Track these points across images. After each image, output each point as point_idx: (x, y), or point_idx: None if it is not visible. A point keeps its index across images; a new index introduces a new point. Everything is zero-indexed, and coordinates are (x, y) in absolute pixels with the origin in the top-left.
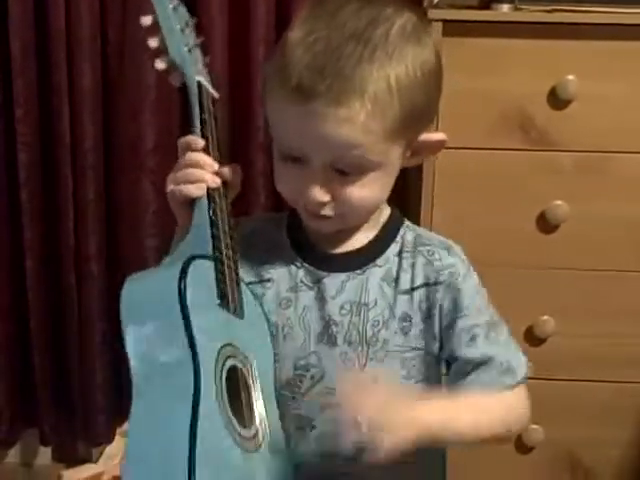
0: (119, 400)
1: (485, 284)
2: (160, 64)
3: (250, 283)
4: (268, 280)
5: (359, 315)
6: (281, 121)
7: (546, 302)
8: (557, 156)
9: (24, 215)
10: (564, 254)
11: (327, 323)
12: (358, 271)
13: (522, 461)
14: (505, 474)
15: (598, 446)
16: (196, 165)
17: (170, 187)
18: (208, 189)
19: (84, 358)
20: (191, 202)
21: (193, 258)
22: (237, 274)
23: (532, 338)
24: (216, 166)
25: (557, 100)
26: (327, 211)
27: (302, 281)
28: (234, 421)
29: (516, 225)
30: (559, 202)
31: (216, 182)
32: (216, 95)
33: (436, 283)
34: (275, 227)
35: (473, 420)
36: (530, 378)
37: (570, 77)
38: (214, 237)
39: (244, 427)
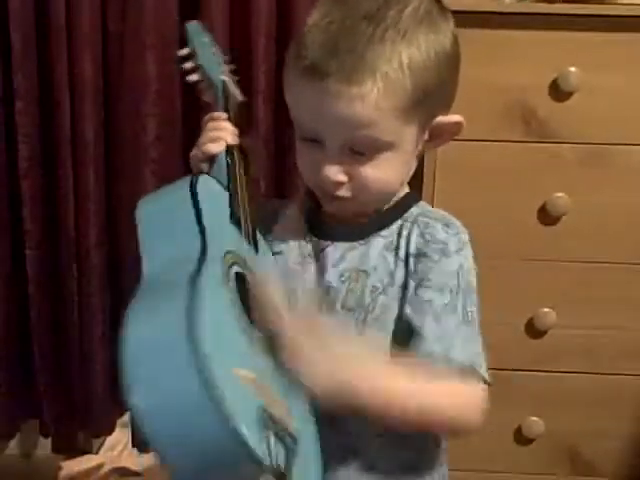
0: (119, 391)
1: (486, 276)
2: (194, 77)
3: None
4: (279, 252)
5: (357, 281)
6: (297, 102)
7: (547, 294)
8: (559, 148)
9: (25, 207)
10: (565, 246)
11: (326, 290)
12: (361, 241)
13: (522, 453)
14: (505, 466)
15: (598, 438)
16: (217, 128)
17: (193, 152)
18: (227, 147)
19: (84, 349)
20: (211, 164)
21: (205, 174)
22: (253, 221)
23: (533, 330)
24: (236, 130)
25: (559, 92)
26: (343, 192)
27: (309, 254)
28: (244, 314)
29: (517, 217)
30: (560, 194)
31: (235, 140)
32: (241, 98)
33: (423, 255)
34: (293, 206)
35: (408, 398)
36: (531, 370)
37: (572, 69)
38: (230, 180)
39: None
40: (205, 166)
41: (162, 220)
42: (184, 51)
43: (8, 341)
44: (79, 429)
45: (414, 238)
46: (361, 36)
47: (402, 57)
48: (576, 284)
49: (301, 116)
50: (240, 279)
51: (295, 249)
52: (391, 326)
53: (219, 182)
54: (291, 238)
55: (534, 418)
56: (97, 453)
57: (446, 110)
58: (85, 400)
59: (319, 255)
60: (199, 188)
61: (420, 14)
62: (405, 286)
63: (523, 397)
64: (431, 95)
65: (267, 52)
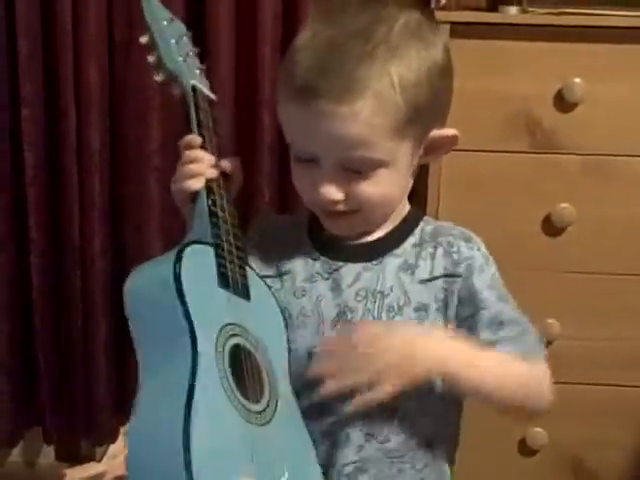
0: (123, 399)
1: None
2: (158, 77)
3: (269, 276)
4: (286, 273)
5: (374, 302)
6: (289, 122)
7: (552, 305)
8: (563, 159)
9: (30, 214)
10: (570, 257)
11: (342, 310)
12: (374, 262)
13: (526, 464)
14: (509, 477)
15: (602, 449)
16: (194, 161)
17: (172, 187)
18: (207, 181)
19: (88, 357)
20: (194, 198)
21: (191, 243)
22: (241, 259)
23: None
24: (213, 159)
25: (563, 103)
26: (341, 207)
27: (318, 272)
28: (237, 391)
29: (522, 228)
30: (565, 205)
31: (214, 173)
32: (213, 97)
33: (454, 275)
34: (296, 226)
35: (497, 373)
36: None
37: (577, 80)
38: (213, 225)
39: (249, 400)
40: (189, 210)
41: (150, 310)
42: (144, 39)
43: (12, 349)
44: (82, 437)
45: (440, 259)
46: (351, 54)
47: (393, 74)
48: (580, 295)
49: (294, 136)
50: (237, 350)
51: (302, 268)
52: None
53: (202, 241)
54: (297, 258)
55: (538, 429)
56: (100, 461)
57: (441, 123)
58: (88, 408)
59: (332, 275)
60: (183, 274)
61: (410, 29)
62: (422, 308)
63: None
64: (424, 111)
65: (272, 62)
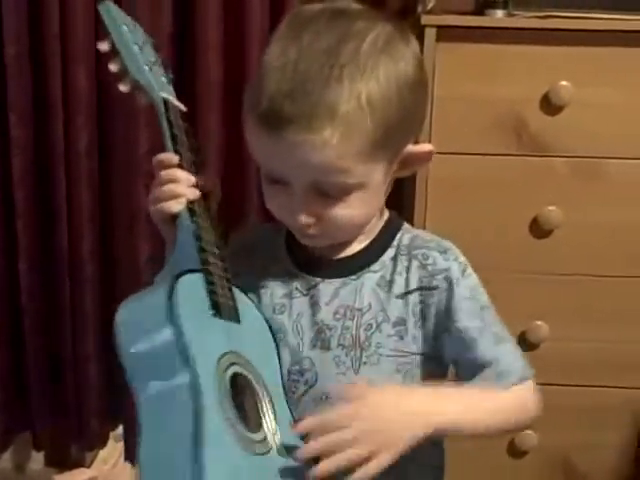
0: (113, 404)
1: None
2: (123, 87)
3: (247, 292)
4: (263, 287)
5: (352, 319)
6: (257, 147)
7: (539, 307)
8: (550, 161)
9: (18, 218)
10: (557, 259)
11: (320, 328)
12: (353, 277)
13: (516, 466)
14: (498, 479)
15: (592, 451)
16: (173, 181)
17: (151, 207)
18: (188, 202)
19: (78, 362)
20: (174, 219)
21: (180, 275)
22: (228, 280)
23: (526, 343)
24: (192, 179)
25: (550, 106)
26: (313, 230)
27: (297, 288)
28: (239, 425)
29: (509, 230)
30: (552, 207)
31: (195, 194)
32: (183, 108)
33: (430, 288)
34: (275, 236)
35: (490, 410)
36: None
37: (563, 83)
38: (199, 249)
39: (250, 431)
40: (168, 230)
41: (145, 344)
42: (104, 46)
43: (0, 353)
44: (72, 442)
45: (414, 272)
46: (316, 79)
47: (361, 96)
48: (568, 297)
49: (263, 160)
50: (236, 379)
51: (280, 283)
52: (385, 362)
53: (191, 270)
54: (275, 273)
55: (527, 431)
56: (90, 466)
57: (415, 137)
58: (78, 413)
59: (310, 291)
60: (179, 308)
61: (379, 45)
62: (401, 322)
63: None
64: (396, 129)
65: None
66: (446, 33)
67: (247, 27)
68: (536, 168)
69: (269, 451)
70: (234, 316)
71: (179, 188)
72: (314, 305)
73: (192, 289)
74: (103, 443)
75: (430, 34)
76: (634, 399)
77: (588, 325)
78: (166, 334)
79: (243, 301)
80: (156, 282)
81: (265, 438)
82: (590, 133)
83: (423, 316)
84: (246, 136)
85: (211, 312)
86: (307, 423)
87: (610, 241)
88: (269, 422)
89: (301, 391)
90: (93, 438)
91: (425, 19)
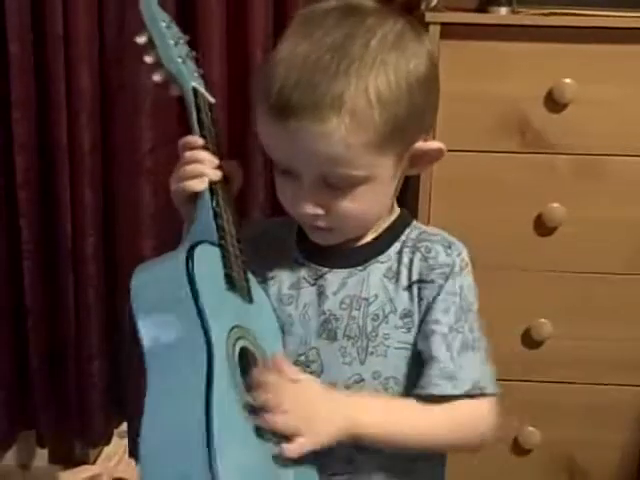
0: (116, 401)
1: (482, 286)
2: (157, 76)
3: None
4: (272, 278)
5: (359, 309)
6: (266, 137)
7: (543, 305)
8: (554, 159)
9: (22, 217)
10: (561, 257)
11: (327, 318)
12: (360, 267)
13: (519, 463)
14: (502, 477)
15: (595, 448)
16: (196, 161)
17: (173, 186)
18: (210, 182)
19: (81, 360)
20: (194, 198)
21: (199, 243)
22: (244, 262)
23: (529, 341)
24: (216, 161)
25: (554, 103)
26: (321, 223)
27: (304, 278)
28: (246, 396)
29: (513, 228)
30: (556, 205)
31: (217, 175)
32: (212, 100)
33: (427, 281)
34: (285, 228)
35: (410, 423)
36: (527, 381)
37: (567, 80)
38: (218, 227)
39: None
40: (188, 209)
41: (160, 308)
42: (141, 39)
43: (4, 352)
44: (76, 440)
45: (417, 264)
46: (325, 71)
47: (369, 91)
48: (572, 295)
49: (272, 151)
50: (244, 353)
51: (288, 273)
52: (393, 354)
53: (209, 241)
54: (283, 263)
55: (531, 428)
56: (94, 464)
57: (425, 134)
58: (82, 411)
59: (317, 281)
60: (195, 273)
61: (389, 41)
62: (408, 314)
63: (519, 407)
64: (405, 126)
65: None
66: (450, 30)
67: (250, 27)
68: (540, 165)
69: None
70: (247, 296)
71: (203, 168)
72: (321, 295)
73: (209, 259)
74: (107, 440)
75: (434, 31)
76: (638, 397)
77: (592, 322)
78: (183, 294)
79: (257, 288)
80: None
81: None
82: (594, 130)
83: (419, 309)
84: (257, 128)
85: (225, 285)
86: (257, 372)
87: (614, 238)
88: None
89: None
90: (97, 435)
91: (429, 16)
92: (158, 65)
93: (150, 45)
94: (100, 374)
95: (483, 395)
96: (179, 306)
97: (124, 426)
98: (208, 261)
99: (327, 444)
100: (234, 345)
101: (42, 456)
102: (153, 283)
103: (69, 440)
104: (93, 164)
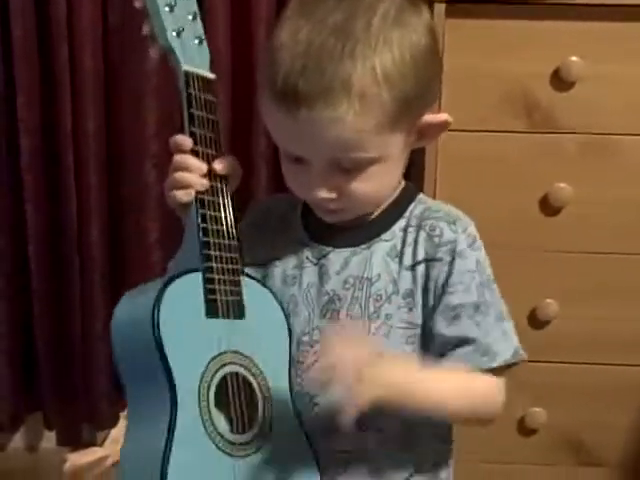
0: (122, 384)
1: None
2: (153, 53)
3: (258, 264)
4: (276, 259)
5: (362, 289)
6: (275, 126)
7: (549, 285)
8: (560, 138)
9: (27, 201)
10: (567, 237)
11: (331, 298)
12: (363, 246)
13: (525, 444)
14: (508, 457)
15: (601, 429)
16: (184, 169)
17: (165, 192)
18: (197, 193)
19: (87, 342)
20: (187, 205)
21: (172, 280)
22: (237, 272)
23: (535, 321)
24: (204, 167)
25: (560, 82)
26: (334, 205)
27: (307, 257)
28: (217, 426)
29: (519, 207)
30: (562, 185)
31: (204, 185)
32: (211, 76)
33: (434, 259)
34: (289, 206)
35: (443, 394)
36: (533, 361)
37: (574, 58)
38: (202, 245)
39: (233, 432)
40: (184, 212)
41: (131, 348)
42: (138, 3)
43: (11, 335)
44: (83, 422)
45: (421, 243)
46: (330, 55)
47: (376, 70)
48: (578, 275)
49: (281, 139)
50: (225, 381)
51: (292, 254)
52: (396, 334)
53: (189, 270)
54: (288, 243)
55: (537, 409)
56: (101, 446)
57: (431, 107)
58: (88, 393)
59: (320, 261)
60: (162, 317)
61: (391, 17)
62: (410, 294)
63: (526, 388)
64: (412, 101)
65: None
66: (455, 9)
67: (254, 15)
68: (546, 145)
69: (253, 453)
70: (236, 312)
71: (189, 178)
72: (324, 274)
73: (186, 292)
74: (114, 422)
75: (439, 10)
76: None
77: (598, 303)
78: (148, 344)
79: (253, 290)
80: (169, 268)
81: (252, 440)
82: (601, 109)
83: (425, 289)
84: (263, 116)
85: (206, 314)
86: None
87: (621, 218)
88: (262, 423)
89: (310, 361)
90: (103, 418)
91: None
92: (153, 38)
93: (145, 12)
94: (106, 357)
95: (518, 363)
96: (146, 350)
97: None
98: (185, 294)
99: (370, 401)
100: (214, 376)
101: (50, 438)
102: (126, 322)
103: (76, 422)
104: (97, 147)
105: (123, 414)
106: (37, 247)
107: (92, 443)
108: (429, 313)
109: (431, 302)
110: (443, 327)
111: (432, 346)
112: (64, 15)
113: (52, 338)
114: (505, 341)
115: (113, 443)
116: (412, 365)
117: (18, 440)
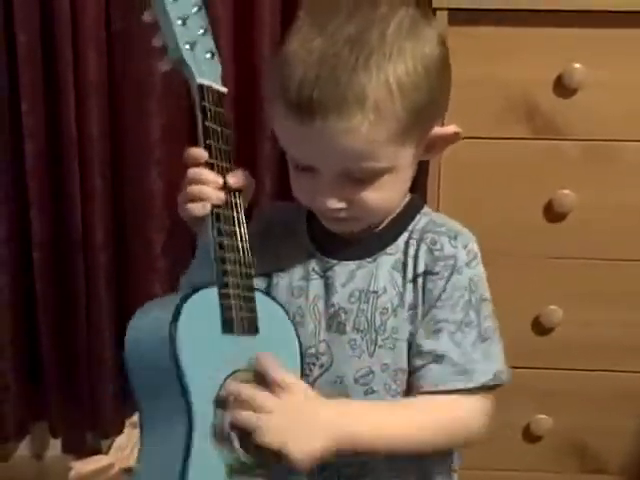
0: (128, 392)
1: (492, 274)
2: (163, 66)
3: (265, 274)
4: (282, 269)
5: (367, 302)
6: (285, 135)
7: (553, 291)
8: (563, 145)
9: (31, 206)
10: (571, 243)
11: (336, 311)
12: (369, 259)
13: (530, 450)
14: (514, 464)
15: (607, 435)
16: (199, 182)
17: (179, 205)
18: (213, 206)
19: (92, 350)
20: (202, 218)
21: (189, 295)
22: (250, 288)
23: (539, 327)
24: (220, 181)
25: (563, 88)
26: (343, 214)
27: (313, 269)
28: (239, 451)
29: (523, 214)
30: (566, 191)
31: (220, 199)
32: (224, 90)
33: (433, 273)
34: (296, 216)
35: (405, 427)
36: (538, 368)
37: (576, 65)
38: (217, 260)
39: (247, 452)
40: (198, 225)
41: (147, 367)
42: (147, 17)
43: (16, 343)
44: (88, 430)
45: (422, 256)
46: (344, 66)
47: (390, 81)
48: (583, 281)
49: (291, 148)
50: None
51: (298, 265)
52: (402, 347)
53: (204, 285)
54: (294, 254)
55: (542, 416)
56: (106, 453)
57: (441, 119)
58: (94, 401)
59: (326, 273)
60: (180, 334)
61: (405, 29)
62: (413, 307)
63: (531, 395)
64: (424, 112)
65: (272, 53)
66: (458, 16)
67: (257, 22)
68: (549, 151)
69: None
70: (250, 328)
71: (205, 191)
72: (330, 287)
73: (202, 308)
74: (119, 430)
75: (441, 17)
76: None
77: (603, 309)
78: (165, 361)
79: (266, 306)
80: (181, 283)
81: (264, 462)
82: (603, 116)
83: (423, 302)
84: (274, 126)
85: (222, 330)
86: (232, 387)
87: (625, 224)
88: None
89: (316, 374)
90: (108, 426)
91: (436, 2)
92: (164, 51)
93: (156, 25)
94: (111, 365)
95: (499, 385)
96: (163, 368)
97: (136, 416)
98: (201, 311)
99: (315, 456)
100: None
101: (55, 446)
102: (142, 339)
103: (81, 430)
104: (102, 152)
105: (128, 422)
106: (41, 253)
107: (97, 451)
108: (418, 324)
109: (421, 314)
110: (422, 337)
111: (410, 356)
112: (68, 20)
113: (57, 346)
114: (485, 363)
115: (118, 451)
116: (346, 405)
117: (24, 448)
